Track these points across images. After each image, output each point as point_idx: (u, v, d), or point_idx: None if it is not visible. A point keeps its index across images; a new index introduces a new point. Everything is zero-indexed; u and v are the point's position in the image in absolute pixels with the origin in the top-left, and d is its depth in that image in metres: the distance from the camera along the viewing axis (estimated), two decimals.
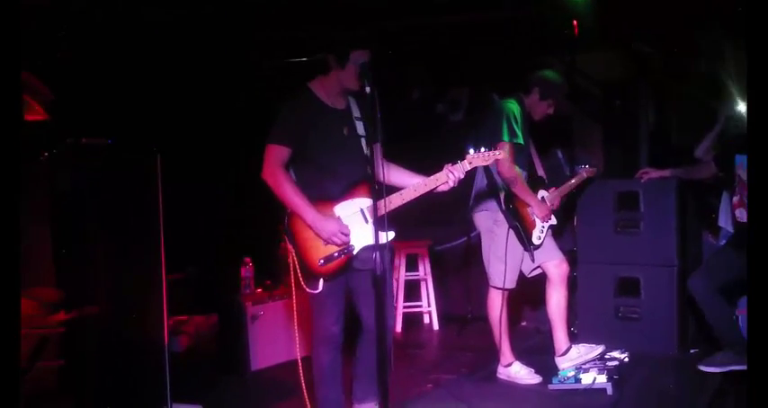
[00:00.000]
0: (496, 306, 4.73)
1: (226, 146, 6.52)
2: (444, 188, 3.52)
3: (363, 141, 3.59)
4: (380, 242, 3.10)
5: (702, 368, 4.64)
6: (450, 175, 3.48)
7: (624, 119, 5.70)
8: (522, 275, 4.80)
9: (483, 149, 3.56)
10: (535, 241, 4.66)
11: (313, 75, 3.66)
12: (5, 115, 2.52)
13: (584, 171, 5.12)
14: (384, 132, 3.64)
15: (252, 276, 5.31)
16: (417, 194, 3.51)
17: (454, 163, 3.53)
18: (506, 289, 4.69)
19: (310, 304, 3.60)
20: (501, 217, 4.62)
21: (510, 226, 4.60)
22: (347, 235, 3.46)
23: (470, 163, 3.54)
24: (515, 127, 4.53)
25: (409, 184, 3.53)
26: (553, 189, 4.93)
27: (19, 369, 2.50)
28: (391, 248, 3.85)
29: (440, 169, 3.54)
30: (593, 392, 4.31)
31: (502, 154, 3.72)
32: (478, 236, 4.89)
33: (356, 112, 3.65)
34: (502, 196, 4.61)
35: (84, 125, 4.73)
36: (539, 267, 4.80)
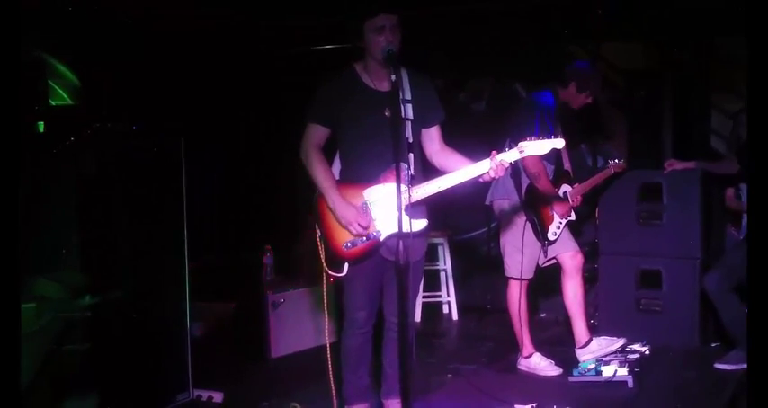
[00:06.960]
0: (515, 296, 4.72)
1: (248, 135, 6.52)
2: (487, 178, 3.31)
3: (409, 125, 3.37)
4: (407, 230, 3.04)
5: (718, 365, 4.63)
6: (500, 165, 3.25)
7: (648, 109, 5.64)
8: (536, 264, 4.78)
9: (535, 136, 3.35)
10: (550, 237, 4.64)
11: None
12: (5, 107, 2.52)
13: (613, 166, 5.02)
14: (441, 116, 3.57)
15: (273, 263, 5.32)
16: (456, 182, 3.33)
17: (500, 150, 3.34)
18: (524, 280, 4.68)
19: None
20: (520, 206, 4.61)
21: (527, 220, 4.58)
22: (365, 226, 3.38)
23: (522, 151, 3.30)
24: (548, 121, 4.45)
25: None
26: (576, 184, 4.88)
27: (19, 370, 2.50)
28: (424, 238, 3.65)
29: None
30: (613, 384, 4.31)
31: (562, 140, 3.37)
32: (498, 227, 4.87)
33: (407, 95, 3.40)
34: (524, 187, 4.58)
35: (109, 111, 4.77)
36: (553, 257, 4.79)
